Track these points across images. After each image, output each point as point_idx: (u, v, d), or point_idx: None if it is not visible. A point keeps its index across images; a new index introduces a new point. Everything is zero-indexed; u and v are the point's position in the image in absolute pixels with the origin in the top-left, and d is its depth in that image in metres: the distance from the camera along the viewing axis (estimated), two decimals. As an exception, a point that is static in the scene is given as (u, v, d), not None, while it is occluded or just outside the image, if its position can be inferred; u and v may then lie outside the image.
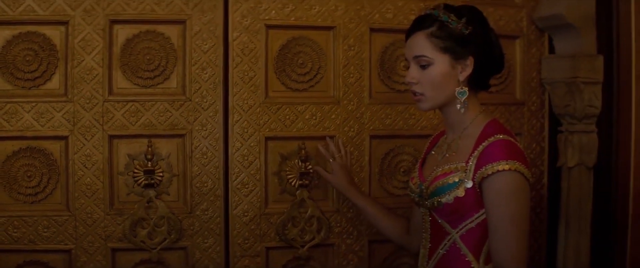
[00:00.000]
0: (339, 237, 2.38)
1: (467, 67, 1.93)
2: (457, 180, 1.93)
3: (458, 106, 1.97)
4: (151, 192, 2.20)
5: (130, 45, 2.19)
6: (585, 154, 2.43)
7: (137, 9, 2.18)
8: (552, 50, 2.55)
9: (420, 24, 1.98)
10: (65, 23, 2.15)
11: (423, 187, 2.02)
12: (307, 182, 2.31)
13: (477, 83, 1.96)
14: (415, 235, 2.23)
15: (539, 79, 2.54)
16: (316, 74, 2.32)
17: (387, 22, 2.38)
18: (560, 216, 2.51)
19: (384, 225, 2.24)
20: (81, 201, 2.18)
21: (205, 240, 2.26)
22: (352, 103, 2.35)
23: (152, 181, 2.20)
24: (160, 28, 2.21)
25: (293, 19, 2.28)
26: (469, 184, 1.91)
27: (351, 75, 2.35)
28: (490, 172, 1.84)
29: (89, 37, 2.15)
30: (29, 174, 2.15)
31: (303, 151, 2.30)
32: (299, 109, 2.30)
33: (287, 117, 2.30)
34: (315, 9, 2.30)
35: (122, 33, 2.20)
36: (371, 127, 2.39)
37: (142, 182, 2.20)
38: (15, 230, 2.15)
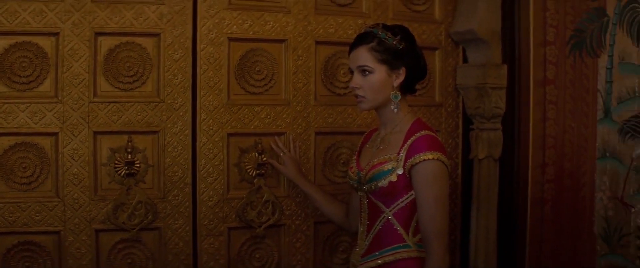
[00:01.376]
0: (290, 218, 3.08)
1: (400, 76, 2.56)
2: (390, 167, 2.52)
3: (392, 107, 2.58)
4: (130, 181, 2.83)
5: (112, 54, 2.81)
6: (492, 148, 3.24)
7: (118, 23, 2.80)
8: (465, 60, 3.36)
9: (362, 39, 2.58)
10: (56, 34, 2.73)
11: (361, 175, 2.62)
12: (262, 171, 3.01)
13: (406, 88, 2.60)
14: (353, 217, 2.86)
15: (454, 85, 3.35)
16: (270, 80, 3.02)
17: (329, 36, 3.11)
18: (472, 200, 3.32)
19: (327, 209, 2.95)
20: (69, 189, 2.78)
21: (176, 222, 2.91)
22: (300, 104, 3.05)
23: (132, 171, 2.83)
24: (138, 40, 2.84)
25: (251, 33, 2.97)
26: (400, 171, 2.50)
27: (299, 80, 3.04)
28: (417, 161, 2.45)
29: (77, 46, 2.75)
30: (23, 166, 2.73)
31: (259, 145, 2.99)
32: (255, 110, 2.99)
33: (246, 116, 2.98)
34: (269, 24, 2.98)
35: (105, 44, 2.81)
36: (316, 125, 3.11)
37: (122, 172, 2.82)
38: (10, 215, 2.72)
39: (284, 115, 3.05)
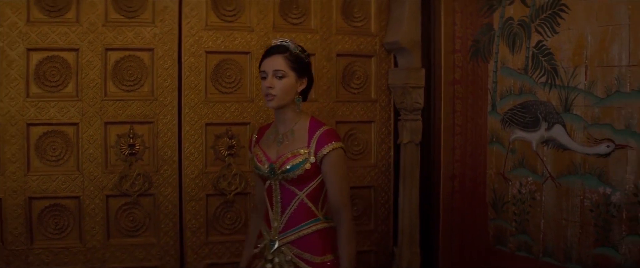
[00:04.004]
0: (253, 188, 4.17)
1: (303, 84, 3.20)
2: (304, 158, 3.12)
3: (295, 107, 3.20)
4: (132, 159, 4.02)
5: (118, 64, 3.99)
6: (414, 135, 4.38)
7: (123, 41, 3.98)
8: (396, 64, 4.41)
9: (278, 49, 3.17)
10: (76, 50, 3.92)
11: (275, 166, 3.16)
12: (232, 152, 4.21)
13: (304, 95, 3.23)
14: (260, 204, 3.43)
15: (386, 84, 4.48)
16: (238, 82, 4.18)
17: (285, 48, 4.19)
18: (399, 176, 4.39)
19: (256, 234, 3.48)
20: (86, 165, 3.97)
21: (167, 190, 4.10)
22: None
23: (133, 151, 4.01)
24: (137, 53, 4.03)
25: (223, 47, 4.15)
26: (313, 160, 3.12)
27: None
28: (327, 151, 3.10)
29: (92, 59, 3.93)
30: (53, 147, 3.92)
31: (230, 132, 4.19)
32: (227, 105, 4.15)
33: (219, 110, 4.15)
34: (237, 40, 4.15)
35: (113, 56, 4.00)
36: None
37: (126, 152, 4.00)
38: (44, 184, 3.93)
39: (249, 110, 4.24)
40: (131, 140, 4.02)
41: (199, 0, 4.09)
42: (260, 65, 3.23)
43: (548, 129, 3.66)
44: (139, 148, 4.06)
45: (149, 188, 4.08)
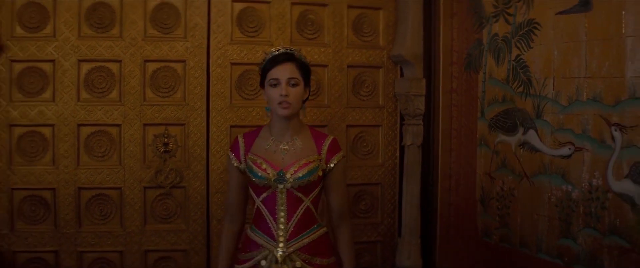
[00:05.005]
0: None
1: (307, 93, 3.34)
2: (316, 165, 3.28)
3: (300, 116, 3.35)
4: (166, 155, 4.67)
5: (155, 74, 4.65)
6: (416, 138, 4.92)
7: (159, 53, 4.63)
8: (402, 74, 4.91)
9: (289, 57, 3.26)
10: (119, 61, 4.60)
11: (285, 173, 3.23)
12: (253, 151, 4.72)
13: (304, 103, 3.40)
14: (239, 214, 3.49)
15: (393, 93, 5.04)
16: (259, 90, 4.77)
17: (302, 59, 4.77)
18: (403, 175, 4.91)
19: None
20: (127, 160, 4.65)
21: (195, 183, 4.74)
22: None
23: (167, 149, 4.66)
24: (172, 64, 4.68)
25: (246, 59, 4.79)
26: (324, 167, 3.31)
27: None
28: (337, 160, 3.35)
29: (133, 69, 4.59)
30: (100, 145, 4.60)
31: (251, 134, 4.71)
32: (249, 110, 4.78)
33: (242, 114, 4.78)
34: (259, 53, 4.74)
35: (150, 67, 4.66)
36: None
37: (161, 149, 4.65)
38: (91, 177, 4.63)
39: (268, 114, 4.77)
40: (166, 140, 4.66)
41: (225, 18, 4.70)
42: (266, 72, 3.28)
43: (524, 133, 4.13)
44: (172, 147, 4.69)
45: (181, 181, 4.70)
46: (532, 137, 4.08)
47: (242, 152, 3.40)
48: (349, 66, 4.94)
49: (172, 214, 4.73)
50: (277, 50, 3.32)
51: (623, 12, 3.45)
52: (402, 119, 5.04)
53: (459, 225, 4.79)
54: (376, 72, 5.02)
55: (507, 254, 4.29)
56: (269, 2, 4.79)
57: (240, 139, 3.46)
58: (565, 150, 3.83)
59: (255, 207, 3.40)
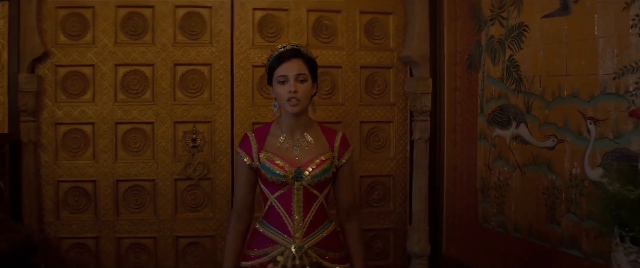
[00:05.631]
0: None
1: (314, 88, 3.30)
2: (331, 162, 3.30)
3: (309, 113, 3.31)
4: (194, 150, 5.16)
5: (184, 76, 5.15)
6: (424, 132, 5.33)
7: (187, 58, 5.15)
8: (411, 74, 5.30)
9: (296, 53, 3.22)
10: (152, 65, 5.12)
11: (303, 171, 3.23)
12: (274, 146, 5.16)
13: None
14: (247, 212, 3.44)
15: (403, 91, 5.44)
16: (279, 90, 5.14)
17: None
18: (413, 166, 5.30)
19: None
20: (160, 155, 5.17)
21: (221, 175, 5.23)
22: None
23: (195, 144, 5.15)
24: (199, 68, 5.17)
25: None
26: (337, 163, 3.34)
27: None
28: (348, 157, 3.39)
29: (164, 72, 5.09)
30: (135, 141, 5.13)
31: (272, 130, 5.14)
32: (269, 108, 5.22)
33: (263, 112, 5.25)
34: (278, 56, 5.11)
35: (180, 70, 5.16)
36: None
37: (190, 145, 5.12)
38: (127, 170, 5.15)
39: (288, 112, 5.22)
40: (194, 136, 5.14)
41: (246, 25, 5.17)
42: (274, 69, 3.26)
43: (516, 127, 4.47)
44: (200, 142, 5.16)
45: (208, 173, 5.17)
46: (523, 130, 4.41)
47: (254, 149, 3.36)
48: (361, 67, 5.35)
49: (200, 203, 5.21)
50: (283, 47, 3.29)
51: (595, 15, 3.78)
52: (411, 115, 5.43)
53: (462, 214, 5.16)
54: (387, 72, 5.42)
55: (503, 239, 4.64)
56: (287, 10, 5.24)
57: (251, 136, 3.42)
58: (549, 142, 4.16)
59: (268, 203, 3.38)
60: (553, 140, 4.14)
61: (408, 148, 5.49)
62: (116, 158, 5.11)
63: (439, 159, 5.35)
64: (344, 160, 3.39)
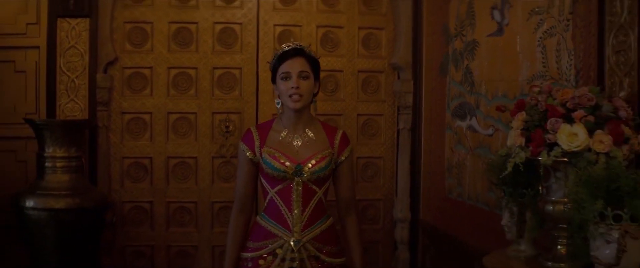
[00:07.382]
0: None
1: (317, 87, 3.44)
2: (330, 159, 3.41)
3: (311, 110, 3.45)
4: (227, 135, 6.58)
5: (220, 77, 6.59)
6: (407, 123, 6.68)
7: (222, 62, 6.58)
8: (398, 77, 6.65)
9: (299, 51, 3.35)
10: (196, 68, 6.56)
11: (303, 167, 3.34)
12: (289, 132, 6.52)
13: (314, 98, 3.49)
14: (249, 204, 3.64)
15: (392, 90, 6.80)
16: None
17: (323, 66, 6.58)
18: (399, 150, 6.66)
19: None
20: (201, 138, 6.61)
21: (248, 155, 6.54)
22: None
23: (228, 130, 6.57)
24: (232, 70, 6.61)
25: (284, 66, 6.51)
26: (336, 160, 3.46)
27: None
28: (348, 154, 3.53)
29: (204, 74, 6.56)
30: (182, 127, 6.59)
31: (288, 120, 6.51)
32: (286, 103, 6.51)
33: (282, 106, 6.53)
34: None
35: (217, 72, 6.60)
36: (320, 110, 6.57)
37: (224, 130, 6.55)
38: (176, 149, 6.60)
39: (300, 106, 6.58)
40: (227, 123, 6.51)
41: (269, 37, 6.54)
42: (277, 67, 3.42)
43: (470, 119, 5.67)
44: (232, 129, 6.53)
45: (237, 153, 6.48)
46: (474, 122, 5.60)
47: (256, 143, 3.47)
48: (359, 71, 6.68)
49: (231, 176, 6.54)
50: (287, 46, 3.42)
51: (518, 37, 5.00)
52: (398, 109, 6.73)
53: (434, 187, 6.40)
54: (379, 75, 6.77)
55: (462, 206, 5.82)
56: (300, 26, 6.60)
57: (254, 131, 3.56)
58: (490, 131, 5.32)
59: (269, 197, 3.49)
60: (492, 129, 5.26)
61: (395, 136, 6.78)
62: (167, 140, 6.44)
63: (418, 145, 6.60)
64: (343, 157, 3.53)
